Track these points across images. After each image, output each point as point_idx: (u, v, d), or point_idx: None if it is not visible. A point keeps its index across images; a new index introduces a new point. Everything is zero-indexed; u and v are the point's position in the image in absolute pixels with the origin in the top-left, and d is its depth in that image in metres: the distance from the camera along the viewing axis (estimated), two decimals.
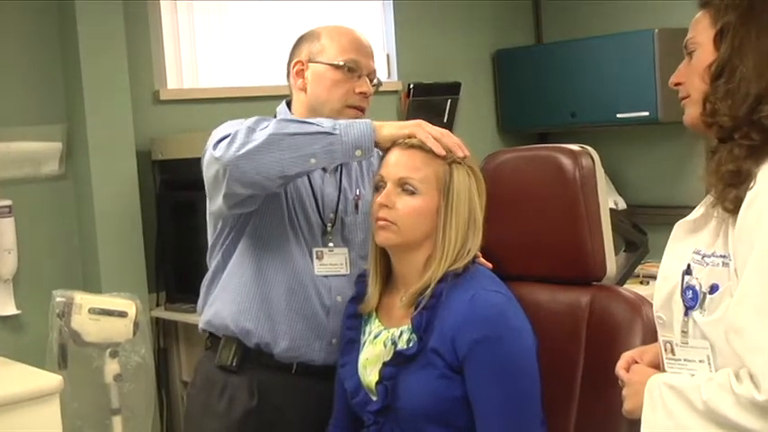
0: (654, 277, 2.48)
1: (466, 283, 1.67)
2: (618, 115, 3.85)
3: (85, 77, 3.05)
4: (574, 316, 1.76)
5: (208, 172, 1.83)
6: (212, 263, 2.02)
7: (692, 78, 1.39)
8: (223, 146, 1.77)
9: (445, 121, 4.04)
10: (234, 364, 1.94)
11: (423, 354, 1.65)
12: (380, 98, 4.04)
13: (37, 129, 3.08)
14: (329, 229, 1.98)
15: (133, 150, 3.17)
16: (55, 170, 3.12)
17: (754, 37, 1.32)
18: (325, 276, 1.95)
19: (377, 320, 1.79)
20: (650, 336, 1.55)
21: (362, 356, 1.77)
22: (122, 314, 2.62)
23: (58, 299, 2.61)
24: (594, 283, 1.80)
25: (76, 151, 3.13)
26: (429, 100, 4.03)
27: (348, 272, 1.96)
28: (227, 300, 1.95)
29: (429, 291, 1.67)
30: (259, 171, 1.73)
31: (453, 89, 4.12)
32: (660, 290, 1.42)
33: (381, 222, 1.70)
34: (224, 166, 1.74)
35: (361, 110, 1.98)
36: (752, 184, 1.29)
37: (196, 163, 3.07)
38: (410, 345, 1.67)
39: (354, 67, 1.96)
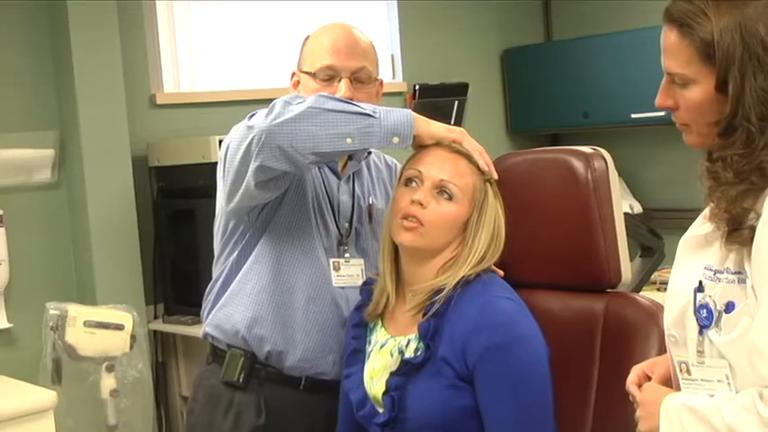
0: None
1: (476, 289, 1.69)
2: (632, 115, 3.86)
3: (78, 81, 3.07)
4: (587, 324, 1.76)
5: (237, 152, 1.81)
6: (223, 267, 2.01)
7: (690, 112, 1.38)
8: (260, 116, 1.78)
9: (452, 123, 4.05)
10: (241, 379, 1.94)
11: (431, 362, 1.66)
12: (385, 100, 4.05)
13: (28, 135, 3.09)
14: (345, 239, 1.98)
15: (129, 156, 3.18)
16: (47, 178, 3.13)
17: (753, 80, 1.30)
18: (342, 288, 1.95)
19: (382, 329, 1.80)
20: None
21: (368, 367, 1.78)
22: (119, 327, 2.62)
23: (52, 311, 2.61)
24: (609, 290, 1.80)
25: (70, 158, 3.15)
26: (435, 101, 4.04)
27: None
28: (240, 304, 1.95)
29: (442, 296, 1.68)
30: (293, 143, 1.73)
31: (460, 90, 4.13)
32: (671, 307, 1.42)
33: (409, 223, 1.71)
34: (259, 133, 1.74)
35: None
36: (758, 216, 1.29)
37: (195, 169, 3.13)
38: (418, 353, 1.68)
39: (329, 74, 1.93)
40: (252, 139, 1.76)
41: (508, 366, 1.61)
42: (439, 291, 1.69)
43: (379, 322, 1.81)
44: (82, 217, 3.12)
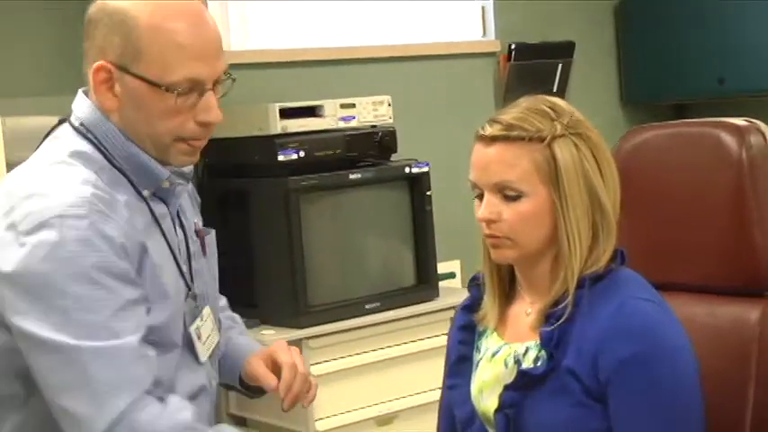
0: None
1: (609, 289, 1.70)
2: None
3: None
4: (741, 336, 1.77)
5: None
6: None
7: None
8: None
9: (555, 90, 4.06)
10: None
11: (554, 375, 1.68)
12: (474, 62, 4.08)
13: (51, 100, 3.16)
14: (193, 290, 1.81)
15: None
16: None
17: None
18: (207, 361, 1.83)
19: (495, 334, 1.82)
20: None
21: (477, 378, 1.81)
22: None
23: None
24: (767, 293, 1.80)
25: None
26: (535, 64, 4.06)
27: (219, 337, 1.89)
28: None
29: (569, 300, 1.69)
30: None
31: (565, 50, 4.14)
32: None
33: (493, 240, 1.75)
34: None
35: (198, 144, 1.74)
36: None
37: (250, 143, 3.17)
38: (538, 363, 1.70)
39: (191, 87, 1.67)
40: None
41: (651, 382, 1.61)
42: (563, 294, 1.71)
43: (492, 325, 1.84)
44: None
